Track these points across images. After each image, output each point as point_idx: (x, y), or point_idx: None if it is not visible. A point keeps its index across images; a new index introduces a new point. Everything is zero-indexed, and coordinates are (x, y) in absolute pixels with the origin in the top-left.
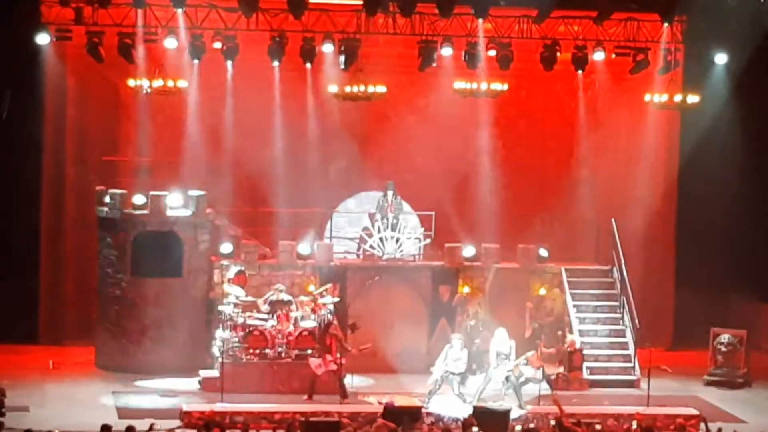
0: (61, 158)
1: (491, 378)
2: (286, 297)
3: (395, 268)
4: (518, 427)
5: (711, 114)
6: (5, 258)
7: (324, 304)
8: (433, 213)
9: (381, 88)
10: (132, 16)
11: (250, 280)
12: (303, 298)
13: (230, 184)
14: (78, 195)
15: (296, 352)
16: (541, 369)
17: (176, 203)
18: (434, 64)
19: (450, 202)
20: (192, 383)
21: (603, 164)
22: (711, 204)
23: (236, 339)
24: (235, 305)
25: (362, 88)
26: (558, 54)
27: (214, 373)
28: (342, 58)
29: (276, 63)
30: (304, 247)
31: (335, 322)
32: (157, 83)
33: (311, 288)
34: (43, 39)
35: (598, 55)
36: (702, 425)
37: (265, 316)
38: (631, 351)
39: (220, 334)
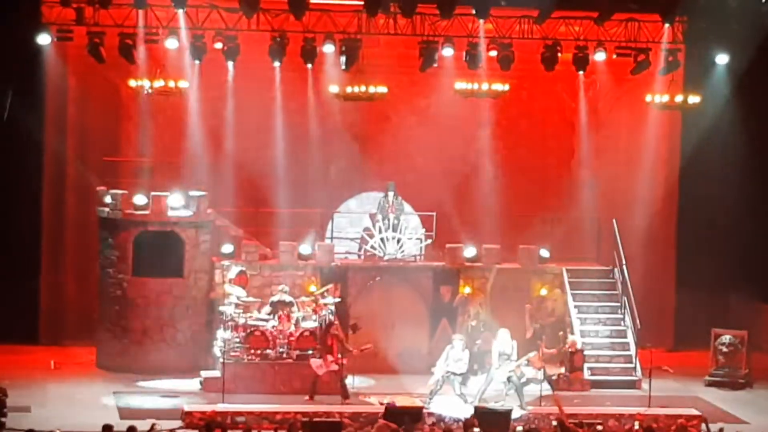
0: (62, 158)
1: (493, 378)
2: (287, 298)
3: (396, 268)
4: (519, 428)
5: (712, 114)
6: (6, 258)
7: (325, 305)
8: (434, 213)
9: (382, 89)
10: (133, 16)
11: (251, 280)
12: (304, 298)
13: (231, 185)
14: (79, 195)
15: (297, 352)
16: (543, 369)
17: (177, 203)
18: (435, 65)
19: (451, 202)
20: (193, 383)
21: (604, 165)
22: (712, 204)
23: (237, 339)
24: (237, 306)
25: (363, 88)
26: (559, 54)
27: (216, 373)
28: (343, 58)
29: (277, 63)
30: (305, 248)
31: (336, 322)
32: (158, 83)
33: (312, 288)
34: (44, 39)
35: (599, 56)
36: (703, 426)
37: (267, 317)
38: (632, 351)
39: (222, 334)
